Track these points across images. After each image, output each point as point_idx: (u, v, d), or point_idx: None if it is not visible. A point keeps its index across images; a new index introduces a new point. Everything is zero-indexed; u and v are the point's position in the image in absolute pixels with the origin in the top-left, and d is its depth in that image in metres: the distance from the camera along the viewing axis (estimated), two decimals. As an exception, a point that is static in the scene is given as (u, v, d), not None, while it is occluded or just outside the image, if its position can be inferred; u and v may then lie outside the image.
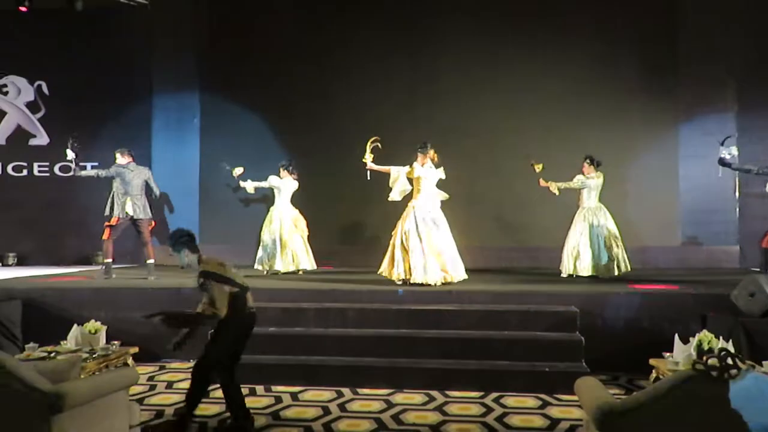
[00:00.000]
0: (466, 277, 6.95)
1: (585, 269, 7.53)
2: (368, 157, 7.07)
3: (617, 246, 7.60)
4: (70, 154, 7.98)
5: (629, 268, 7.65)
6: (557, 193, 7.85)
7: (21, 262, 10.30)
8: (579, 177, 7.77)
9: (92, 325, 5.75)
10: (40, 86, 10.62)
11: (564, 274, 7.69)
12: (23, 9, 9.60)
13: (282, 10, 10.30)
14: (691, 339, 4.91)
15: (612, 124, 9.60)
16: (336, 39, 10.19)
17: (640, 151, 9.62)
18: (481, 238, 9.49)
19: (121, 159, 7.91)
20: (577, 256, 7.60)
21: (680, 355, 4.86)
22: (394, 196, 7.03)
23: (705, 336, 4.81)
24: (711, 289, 6.43)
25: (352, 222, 10.10)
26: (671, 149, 9.62)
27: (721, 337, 4.83)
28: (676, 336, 5.03)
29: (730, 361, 2.64)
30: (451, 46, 9.92)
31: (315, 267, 8.40)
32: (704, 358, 2.70)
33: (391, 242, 6.97)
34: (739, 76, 9.43)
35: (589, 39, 9.68)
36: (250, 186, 8.66)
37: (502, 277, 8.00)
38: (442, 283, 6.78)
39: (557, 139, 9.39)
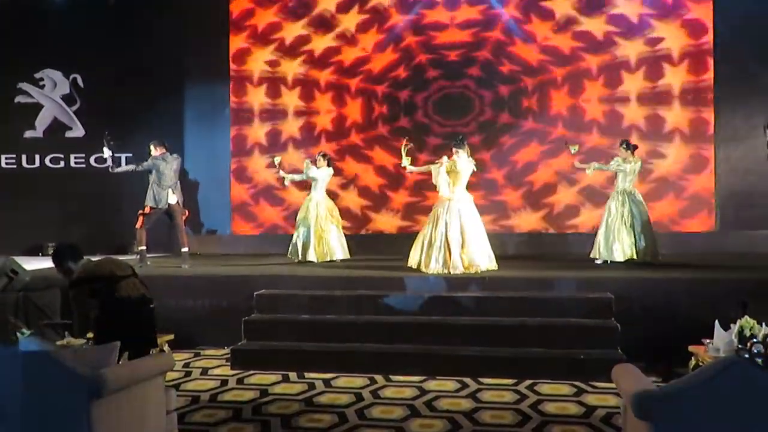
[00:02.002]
0: (496, 267, 6.90)
1: (620, 254, 7.37)
2: (405, 161, 7.14)
3: (650, 231, 7.43)
4: (107, 152, 8.10)
5: (659, 256, 7.46)
6: (590, 174, 7.73)
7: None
8: (617, 159, 7.60)
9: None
10: (75, 79, 10.80)
11: (599, 261, 7.54)
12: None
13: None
14: (731, 325, 4.78)
15: (648, 106, 9.42)
16: (368, 20, 10.14)
17: (676, 133, 9.40)
18: (510, 223, 9.54)
19: (155, 151, 8.01)
20: (612, 241, 7.43)
21: (721, 341, 4.74)
22: (445, 192, 6.95)
23: (747, 322, 4.67)
24: (752, 274, 6.26)
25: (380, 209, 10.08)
26: (709, 132, 9.37)
27: (764, 324, 4.69)
28: (716, 322, 4.90)
29: (775, 347, 2.56)
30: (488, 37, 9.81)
31: (348, 256, 8.37)
32: (748, 344, 2.62)
33: (428, 235, 6.90)
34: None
35: (629, 27, 9.49)
36: (288, 179, 8.56)
37: (534, 263, 7.88)
38: (477, 272, 6.74)
39: (589, 122, 9.25)
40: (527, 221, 9.68)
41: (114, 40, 10.45)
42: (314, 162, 8.32)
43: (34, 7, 10.32)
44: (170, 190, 7.89)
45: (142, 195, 8.47)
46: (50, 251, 10.37)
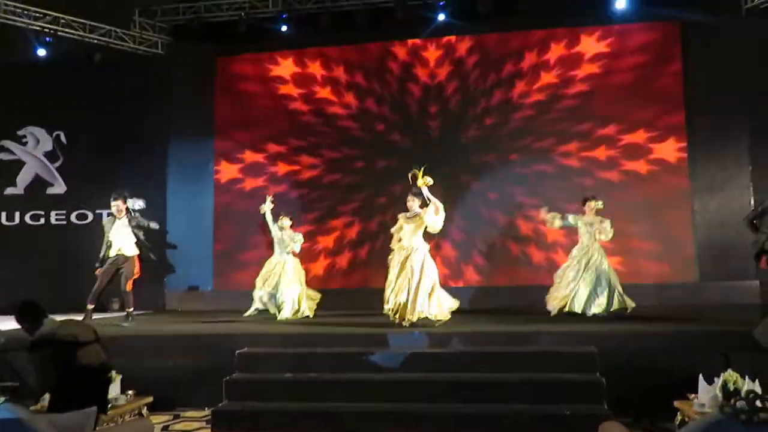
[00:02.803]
0: (447, 316, 6.92)
1: (579, 306, 7.42)
2: (424, 180, 6.98)
3: (612, 285, 7.47)
4: (138, 204, 7.93)
5: (627, 307, 7.49)
6: (556, 226, 7.82)
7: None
8: (570, 216, 7.73)
9: (107, 374, 5.70)
10: (58, 136, 10.83)
11: (553, 312, 7.56)
12: (42, 52, 9.90)
13: (293, 59, 10.54)
14: (715, 379, 4.78)
15: (623, 160, 9.62)
16: (346, 83, 10.41)
17: (653, 185, 9.59)
18: (474, 276, 9.66)
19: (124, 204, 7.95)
20: (572, 295, 7.48)
21: (705, 396, 4.73)
22: (404, 242, 7.00)
23: (730, 376, 4.68)
24: (733, 326, 6.30)
25: (376, 263, 10.08)
26: (684, 183, 9.57)
27: (746, 377, 4.70)
28: (701, 376, 4.90)
29: (758, 403, 2.56)
30: (464, 87, 10.09)
31: (312, 315, 8.27)
32: (732, 400, 2.62)
33: (399, 284, 6.89)
34: (751, 108, 9.39)
35: (604, 77, 9.78)
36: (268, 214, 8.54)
37: (509, 317, 7.85)
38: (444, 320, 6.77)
39: (564, 177, 9.43)
40: (503, 274, 9.73)
41: (98, 97, 10.56)
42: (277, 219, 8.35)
43: (18, 64, 10.41)
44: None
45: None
46: (27, 310, 10.20)
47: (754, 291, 9.06)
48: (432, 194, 6.95)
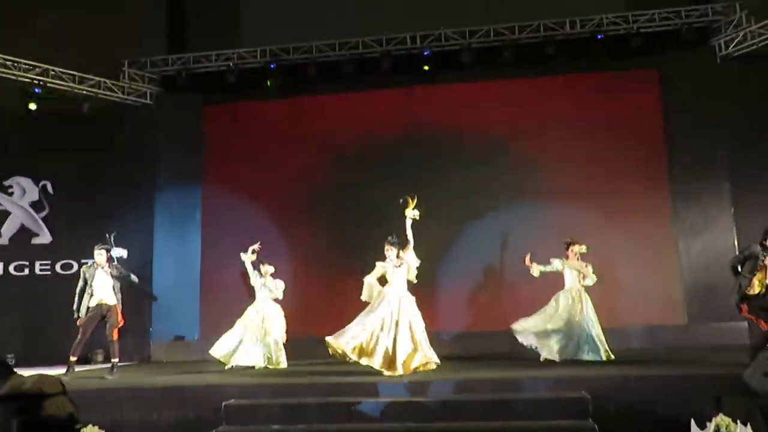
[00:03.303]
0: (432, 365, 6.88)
1: (558, 352, 7.40)
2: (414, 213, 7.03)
3: (594, 330, 7.45)
4: (118, 252, 7.85)
5: (610, 355, 7.45)
6: (536, 275, 7.81)
7: (20, 363, 10.06)
8: (555, 260, 7.76)
9: (90, 430, 5.57)
10: (45, 186, 10.80)
11: (542, 358, 7.53)
12: (32, 107, 9.96)
13: (281, 109, 10.65)
14: (707, 423, 4.75)
15: (607, 203, 9.73)
16: (336, 132, 10.50)
17: (638, 228, 9.69)
18: (451, 321, 9.55)
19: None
20: (552, 338, 7.48)
21: (698, 441, 4.69)
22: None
23: (722, 420, 4.67)
24: (723, 369, 6.28)
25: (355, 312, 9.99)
26: (668, 225, 9.68)
27: (738, 421, 4.68)
28: (692, 421, 4.87)
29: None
30: (447, 136, 10.21)
31: (286, 365, 8.16)
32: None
33: (387, 333, 6.81)
34: (731, 149, 9.59)
35: (585, 123, 9.96)
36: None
37: (498, 362, 7.80)
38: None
39: (551, 219, 9.50)
40: (490, 318, 9.70)
41: (86, 146, 10.57)
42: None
43: (6, 114, 10.46)
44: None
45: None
46: (10, 363, 9.98)
47: (743, 332, 9.05)
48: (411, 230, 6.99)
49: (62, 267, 10.54)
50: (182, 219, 10.55)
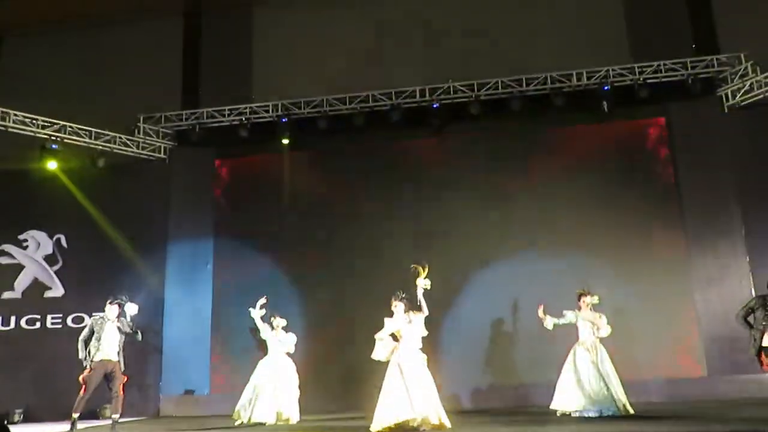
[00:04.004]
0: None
1: (577, 407, 7.19)
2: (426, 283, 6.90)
3: (612, 384, 7.25)
4: (134, 309, 7.77)
5: (629, 409, 7.24)
6: (550, 328, 7.64)
7: (27, 419, 10.01)
8: (568, 312, 7.60)
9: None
10: (59, 239, 10.91)
11: (558, 413, 7.32)
12: (51, 165, 10.15)
13: (293, 162, 10.78)
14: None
15: (621, 253, 9.64)
16: (344, 184, 10.61)
17: (653, 278, 9.56)
18: (462, 376, 9.38)
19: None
20: (570, 392, 7.27)
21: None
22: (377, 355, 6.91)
23: (746, 481, 4.46)
24: (745, 425, 6.07)
25: (365, 367, 9.86)
26: (684, 275, 9.54)
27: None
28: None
29: None
30: (457, 186, 10.26)
31: (299, 418, 8.00)
32: None
33: (413, 392, 6.62)
34: (743, 198, 9.53)
35: (596, 174, 9.99)
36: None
37: (515, 418, 7.58)
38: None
39: (565, 271, 9.39)
40: (505, 372, 9.53)
41: (101, 200, 10.74)
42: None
43: (22, 169, 10.66)
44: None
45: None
46: (16, 419, 9.89)
47: (766, 384, 8.81)
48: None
49: (73, 320, 10.54)
50: (193, 272, 10.57)
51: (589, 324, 7.47)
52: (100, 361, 7.33)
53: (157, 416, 9.91)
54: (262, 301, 8.25)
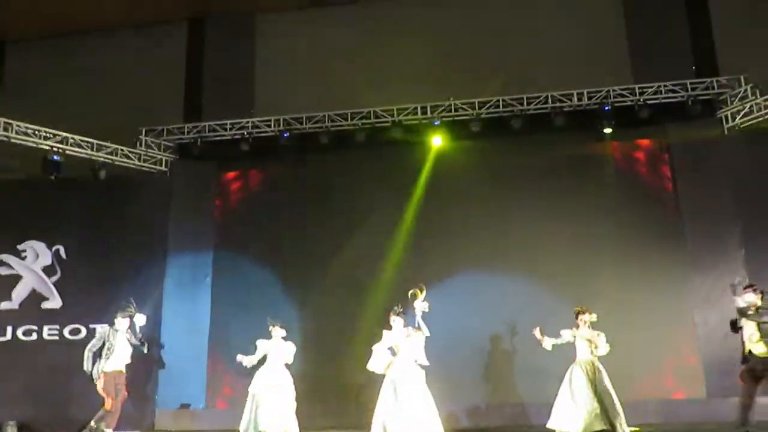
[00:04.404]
0: None
1: (572, 427, 7.15)
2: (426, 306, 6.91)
3: (606, 403, 7.22)
4: (141, 319, 7.78)
5: (625, 429, 7.17)
6: (549, 349, 7.61)
7: (22, 430, 9.93)
8: (565, 332, 7.58)
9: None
10: (58, 251, 10.87)
11: (557, 430, 7.28)
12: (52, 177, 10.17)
13: (294, 177, 10.81)
14: None
15: (622, 275, 9.64)
16: (344, 199, 10.61)
17: (653, 299, 9.54)
18: (462, 395, 9.33)
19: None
20: (565, 412, 7.24)
21: None
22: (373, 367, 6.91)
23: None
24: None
25: (362, 381, 9.82)
26: (684, 296, 9.53)
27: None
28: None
29: None
30: (457, 203, 10.30)
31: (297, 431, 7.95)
32: None
33: (413, 406, 6.62)
34: (743, 219, 9.54)
35: (596, 194, 10.03)
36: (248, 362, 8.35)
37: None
38: None
39: (564, 290, 9.39)
40: (501, 391, 9.49)
41: (101, 212, 10.75)
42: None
43: (22, 179, 10.67)
44: None
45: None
46: (9, 431, 9.82)
47: (766, 407, 8.76)
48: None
49: (71, 332, 10.49)
50: (192, 285, 10.55)
51: (587, 342, 7.44)
52: (114, 371, 7.34)
53: (152, 430, 9.83)
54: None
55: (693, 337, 9.34)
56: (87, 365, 7.40)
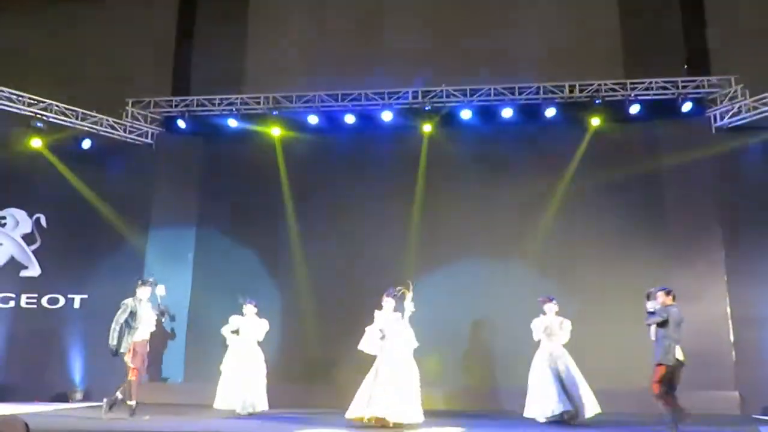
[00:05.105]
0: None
1: (541, 412, 7.29)
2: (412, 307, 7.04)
3: (572, 388, 7.36)
4: (161, 291, 7.86)
5: (589, 414, 7.33)
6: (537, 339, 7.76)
7: (-3, 398, 9.88)
8: (533, 322, 7.72)
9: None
10: (38, 219, 10.75)
11: (530, 416, 7.42)
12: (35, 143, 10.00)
13: (281, 156, 10.69)
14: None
15: (604, 268, 9.76)
16: (334, 182, 10.57)
17: (632, 293, 9.57)
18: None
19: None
20: (535, 398, 7.39)
21: None
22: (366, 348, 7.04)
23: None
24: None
25: (339, 360, 9.88)
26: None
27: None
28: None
29: None
30: (445, 189, 10.33)
31: (266, 408, 8.08)
32: None
33: (398, 383, 6.77)
34: (724, 218, 9.64)
35: (582, 186, 10.07)
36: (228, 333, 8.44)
37: (485, 422, 7.65)
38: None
39: (546, 281, 9.47)
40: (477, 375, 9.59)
41: (83, 182, 10.59)
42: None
43: (5, 147, 10.49)
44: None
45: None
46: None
47: (735, 402, 8.95)
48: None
49: (49, 301, 10.41)
50: (174, 259, 10.44)
51: (553, 330, 7.58)
52: (141, 341, 7.37)
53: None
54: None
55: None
56: (113, 339, 7.27)
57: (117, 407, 7.31)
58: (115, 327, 7.26)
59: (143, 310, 7.46)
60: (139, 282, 7.65)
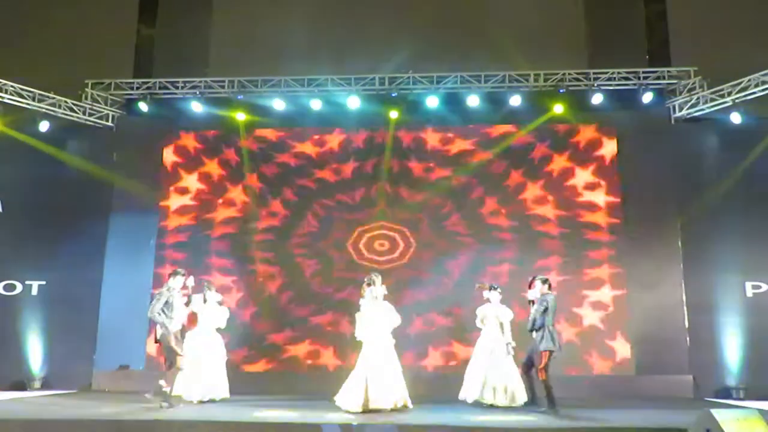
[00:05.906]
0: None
1: (474, 396, 7.54)
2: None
3: (507, 376, 7.56)
4: (191, 281, 7.72)
5: (520, 400, 7.52)
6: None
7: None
8: (478, 310, 7.90)
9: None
10: (-7, 203, 10.45)
11: (469, 400, 7.59)
12: None
13: (244, 141, 10.58)
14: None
15: (566, 255, 9.96)
16: (298, 167, 10.54)
17: (592, 280, 9.87)
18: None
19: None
20: (470, 382, 7.62)
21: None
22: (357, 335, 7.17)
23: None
24: (668, 421, 6.34)
25: (303, 351, 9.87)
26: (622, 277, 9.84)
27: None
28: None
29: None
30: (413, 178, 10.40)
31: (227, 395, 8.04)
32: None
33: (385, 370, 6.95)
34: (682, 208, 9.87)
35: (545, 174, 10.26)
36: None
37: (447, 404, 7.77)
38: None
39: (508, 269, 9.63)
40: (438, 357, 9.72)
41: (40, 165, 10.32)
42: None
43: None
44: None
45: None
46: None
47: (688, 385, 9.23)
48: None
49: (5, 288, 10.15)
50: (136, 246, 10.26)
51: (493, 316, 7.73)
52: (177, 331, 7.30)
53: (88, 389, 9.65)
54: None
55: (626, 318, 9.69)
56: (160, 327, 7.18)
57: (160, 395, 7.17)
58: (156, 317, 7.16)
59: (177, 300, 7.39)
60: (171, 274, 7.54)
